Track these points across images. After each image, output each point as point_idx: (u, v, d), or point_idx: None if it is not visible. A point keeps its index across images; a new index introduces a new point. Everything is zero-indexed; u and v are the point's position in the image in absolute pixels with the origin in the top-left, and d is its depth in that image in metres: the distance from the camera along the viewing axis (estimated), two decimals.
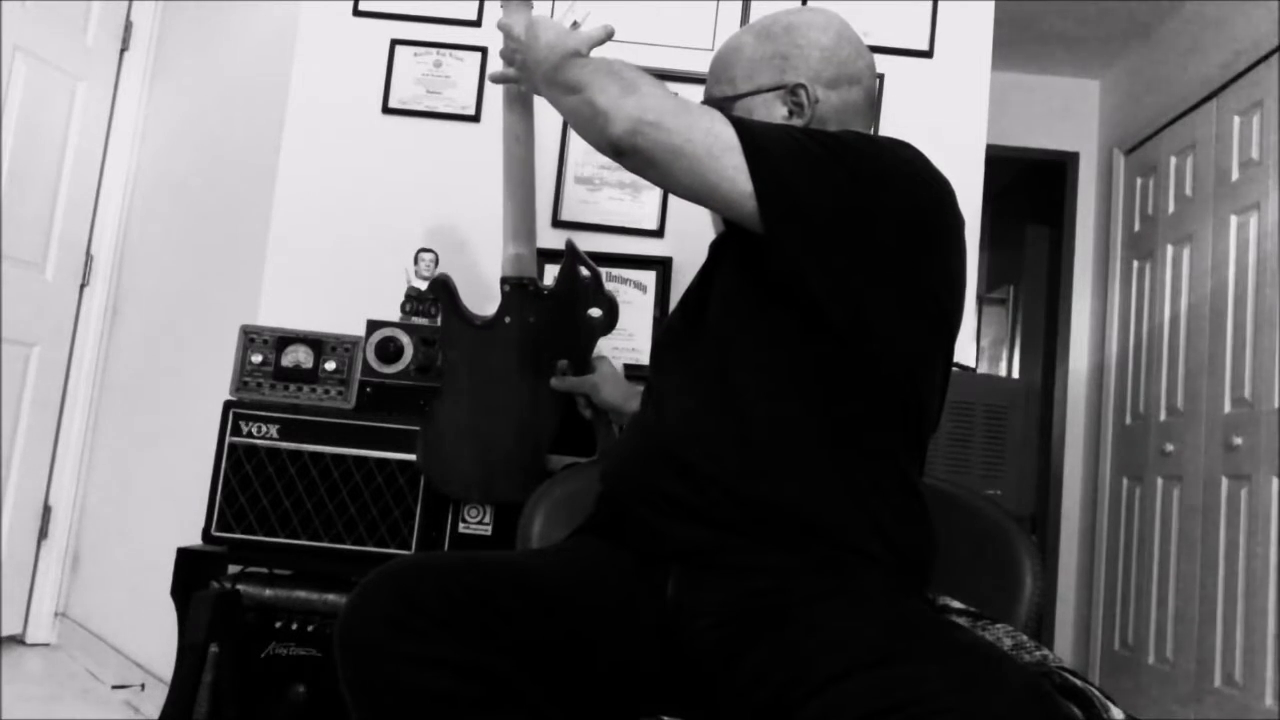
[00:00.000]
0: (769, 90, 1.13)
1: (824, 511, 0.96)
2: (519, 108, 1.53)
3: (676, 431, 1.03)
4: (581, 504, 1.15)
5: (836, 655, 0.76)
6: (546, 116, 2.17)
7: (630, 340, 2.04)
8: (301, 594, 1.62)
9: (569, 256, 1.59)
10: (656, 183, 1.05)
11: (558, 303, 1.59)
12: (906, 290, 1.00)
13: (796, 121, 1.12)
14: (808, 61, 1.14)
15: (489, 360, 1.58)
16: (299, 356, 1.78)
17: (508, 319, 1.58)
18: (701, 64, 2.31)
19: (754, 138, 0.98)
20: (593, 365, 1.58)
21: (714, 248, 1.19)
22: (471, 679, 0.82)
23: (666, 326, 1.22)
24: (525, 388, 1.56)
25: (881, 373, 1.00)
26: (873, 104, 1.21)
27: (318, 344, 1.78)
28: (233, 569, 1.66)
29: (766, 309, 1.02)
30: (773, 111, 1.12)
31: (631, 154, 0.99)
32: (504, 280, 1.59)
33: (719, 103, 1.12)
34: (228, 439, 1.69)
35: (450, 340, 1.62)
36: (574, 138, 2.17)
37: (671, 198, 2.12)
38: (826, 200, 0.97)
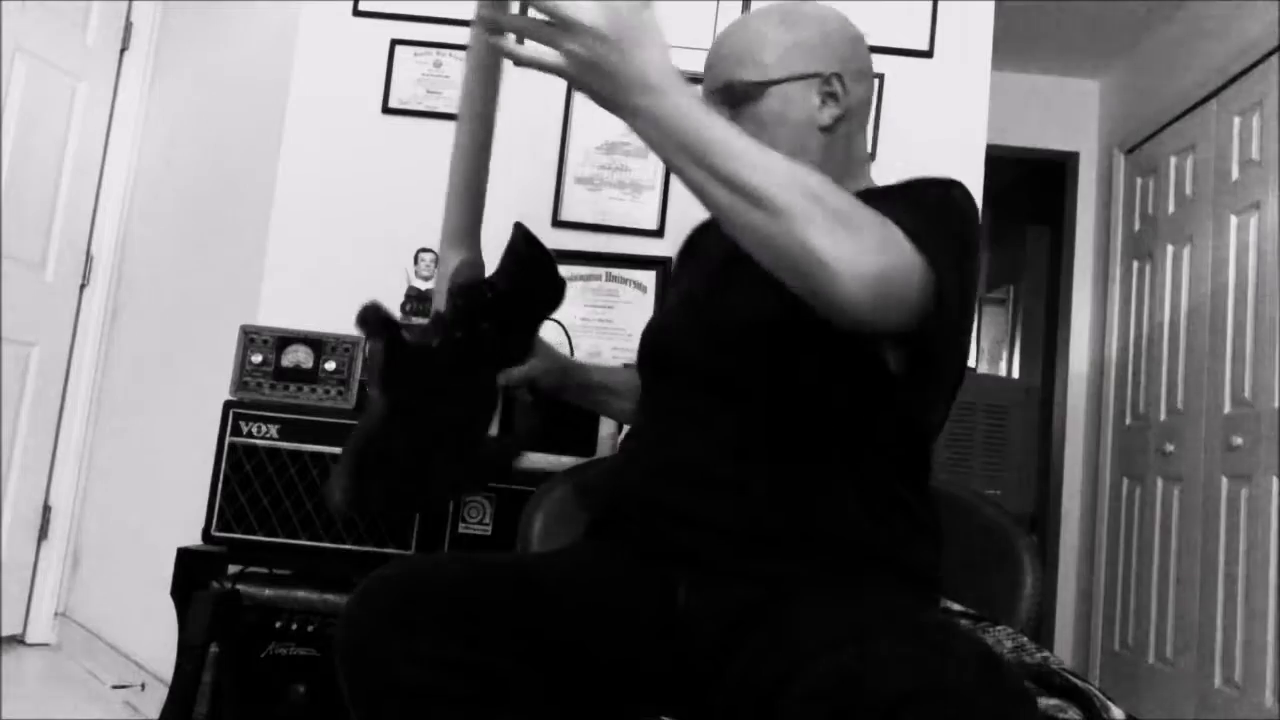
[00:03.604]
0: (803, 78, 1.08)
1: (842, 523, 0.96)
2: (486, 76, 1.09)
3: (695, 451, 1.00)
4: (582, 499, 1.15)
5: (815, 639, 0.76)
6: (546, 109, 2.18)
7: (630, 341, 2.04)
8: (301, 594, 1.62)
9: (521, 243, 1.22)
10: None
11: (511, 301, 1.25)
12: None
13: (829, 110, 1.09)
14: (838, 51, 1.10)
15: (432, 383, 1.23)
16: (299, 356, 1.78)
17: (459, 334, 1.21)
18: (703, 64, 2.30)
19: (947, 275, 0.86)
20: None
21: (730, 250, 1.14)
22: (473, 680, 0.82)
23: (667, 327, 1.16)
24: (465, 397, 1.32)
25: (903, 395, 1.00)
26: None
27: (318, 344, 1.78)
28: (233, 569, 1.65)
29: (806, 350, 0.98)
30: (808, 99, 1.08)
31: (866, 321, 0.83)
32: (455, 292, 1.20)
33: (746, 88, 1.07)
34: (228, 439, 1.69)
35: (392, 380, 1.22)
36: (574, 137, 2.17)
37: (672, 198, 2.12)
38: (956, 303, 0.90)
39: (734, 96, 1.08)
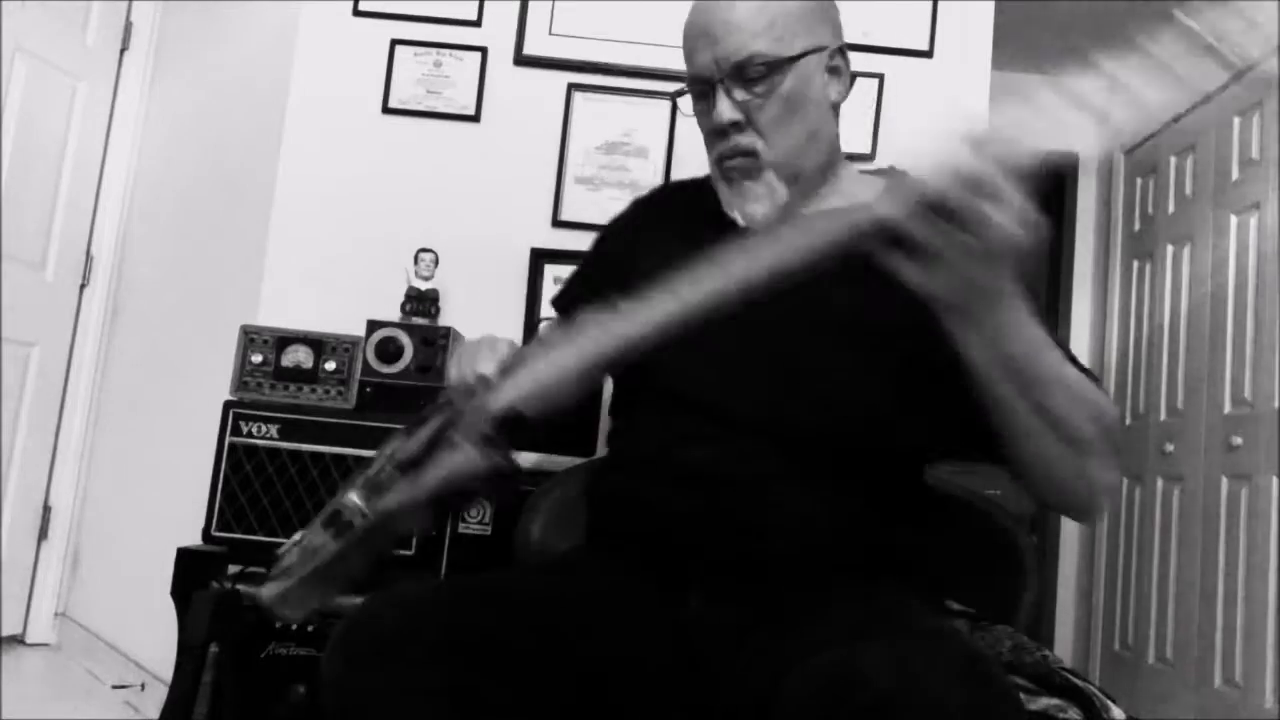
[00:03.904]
0: (816, 51, 1.01)
1: (851, 526, 0.95)
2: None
3: (708, 462, 0.95)
4: (583, 506, 1.15)
5: (810, 640, 0.76)
6: (546, 109, 2.18)
7: None
8: None
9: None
10: None
11: None
12: None
13: (835, 87, 1.04)
14: (834, 20, 1.05)
15: None
16: (299, 356, 1.78)
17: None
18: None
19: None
20: None
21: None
22: (468, 712, 0.78)
23: (682, 350, 0.98)
24: None
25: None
26: None
27: (318, 344, 1.78)
28: (233, 569, 1.65)
29: (870, 408, 0.95)
30: (820, 75, 1.02)
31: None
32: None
33: (768, 63, 0.98)
34: (228, 439, 1.69)
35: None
36: (574, 137, 2.17)
37: None
38: None
39: (751, 73, 0.99)
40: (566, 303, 1.20)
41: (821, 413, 0.95)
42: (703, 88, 1.02)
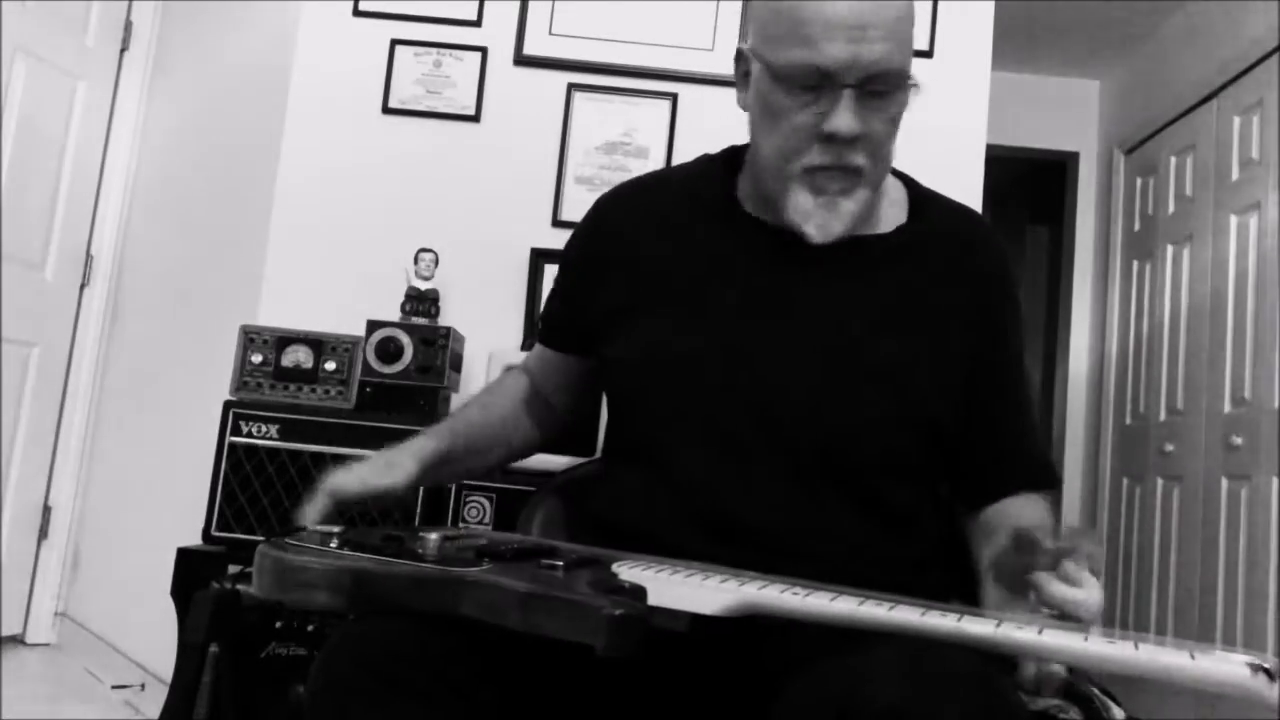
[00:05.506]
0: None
1: (855, 536, 0.94)
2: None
3: (755, 518, 0.91)
4: (583, 503, 1.14)
5: (815, 647, 0.73)
6: (546, 109, 2.18)
7: None
8: None
9: None
10: None
11: None
12: None
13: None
14: None
15: None
16: (299, 356, 1.78)
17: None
18: (702, 64, 2.31)
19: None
20: None
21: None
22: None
23: (691, 361, 0.95)
24: None
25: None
26: None
27: (318, 344, 1.78)
28: (233, 569, 1.65)
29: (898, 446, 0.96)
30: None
31: None
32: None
33: (900, 80, 0.93)
34: (228, 439, 1.69)
35: None
36: (574, 137, 2.17)
37: None
38: None
39: (881, 85, 0.91)
40: (553, 340, 1.14)
41: (837, 443, 0.93)
42: (819, 82, 0.88)
